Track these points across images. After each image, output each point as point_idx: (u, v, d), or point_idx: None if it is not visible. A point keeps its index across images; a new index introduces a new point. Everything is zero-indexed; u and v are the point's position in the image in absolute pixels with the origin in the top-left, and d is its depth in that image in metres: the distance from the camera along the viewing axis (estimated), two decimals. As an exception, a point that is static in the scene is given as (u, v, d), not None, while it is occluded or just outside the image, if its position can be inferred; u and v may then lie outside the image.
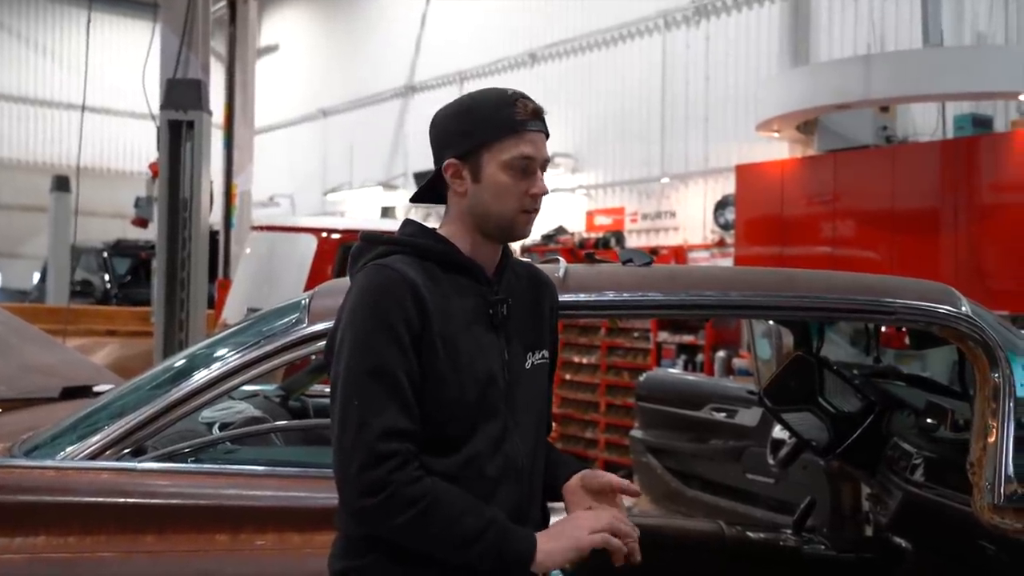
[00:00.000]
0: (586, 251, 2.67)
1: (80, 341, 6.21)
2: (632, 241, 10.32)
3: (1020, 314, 6.25)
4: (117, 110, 16.63)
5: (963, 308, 2.44)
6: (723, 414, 4.95)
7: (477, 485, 1.74)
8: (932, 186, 7.20)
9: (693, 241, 9.79)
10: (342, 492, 1.69)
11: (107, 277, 11.30)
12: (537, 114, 1.80)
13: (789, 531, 3.45)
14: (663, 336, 9.23)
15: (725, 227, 9.37)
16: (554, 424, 9.43)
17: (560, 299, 2.25)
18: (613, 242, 10.11)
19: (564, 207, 11.34)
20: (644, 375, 5.79)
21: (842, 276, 2.61)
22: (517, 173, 1.77)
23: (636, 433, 5.57)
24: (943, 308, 2.42)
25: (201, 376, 2.43)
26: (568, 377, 10.06)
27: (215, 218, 10.33)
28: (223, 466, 2.38)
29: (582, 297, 2.45)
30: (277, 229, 7.74)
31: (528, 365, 1.90)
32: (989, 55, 7.05)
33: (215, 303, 8.24)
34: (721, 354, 8.54)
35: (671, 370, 8.35)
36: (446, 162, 1.82)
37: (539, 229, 11.16)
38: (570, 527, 1.74)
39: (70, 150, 17.55)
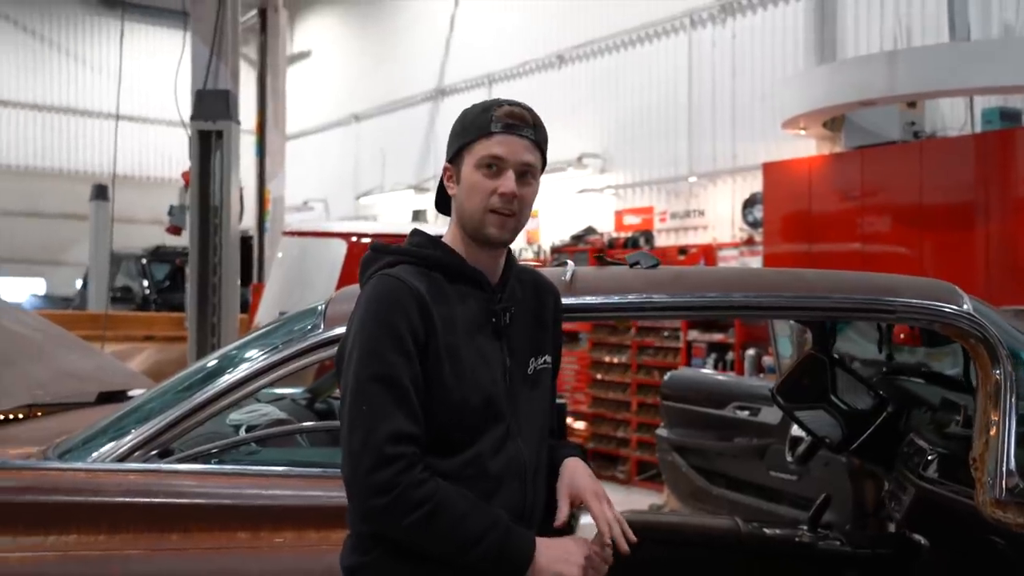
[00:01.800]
0: (596, 254, 2.74)
1: (118, 347, 6.37)
2: (661, 240, 10.34)
3: (1053, 309, 6.20)
4: (153, 118, 16.94)
5: (964, 306, 2.47)
6: (746, 412, 4.98)
7: (480, 484, 1.81)
8: (962, 180, 7.15)
9: (722, 239, 9.79)
10: (351, 493, 1.77)
11: (146, 283, 11.54)
12: (516, 118, 1.87)
13: (805, 527, 3.48)
14: (693, 335, 9.25)
15: (754, 225, 9.36)
16: (585, 423, 9.50)
17: (567, 301, 2.33)
18: (642, 241, 10.13)
19: (593, 207, 11.38)
20: (669, 374, 5.83)
21: (844, 275, 2.65)
22: (487, 172, 1.84)
23: (662, 432, 5.61)
24: (944, 306, 2.46)
25: (223, 380, 2.53)
26: (599, 376, 10.10)
27: (249, 223, 10.55)
28: (244, 467, 2.47)
29: (588, 300, 2.51)
30: (308, 234, 7.86)
31: (530, 370, 1.97)
32: (1016, 48, 6.98)
33: (250, 307, 8.41)
34: (751, 352, 8.54)
35: (696, 369, 8.37)
36: (444, 167, 1.93)
37: (569, 230, 11.22)
38: (563, 553, 1.81)
39: (109, 159, 17.94)
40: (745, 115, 9.71)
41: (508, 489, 1.85)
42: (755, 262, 9.08)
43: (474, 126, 1.88)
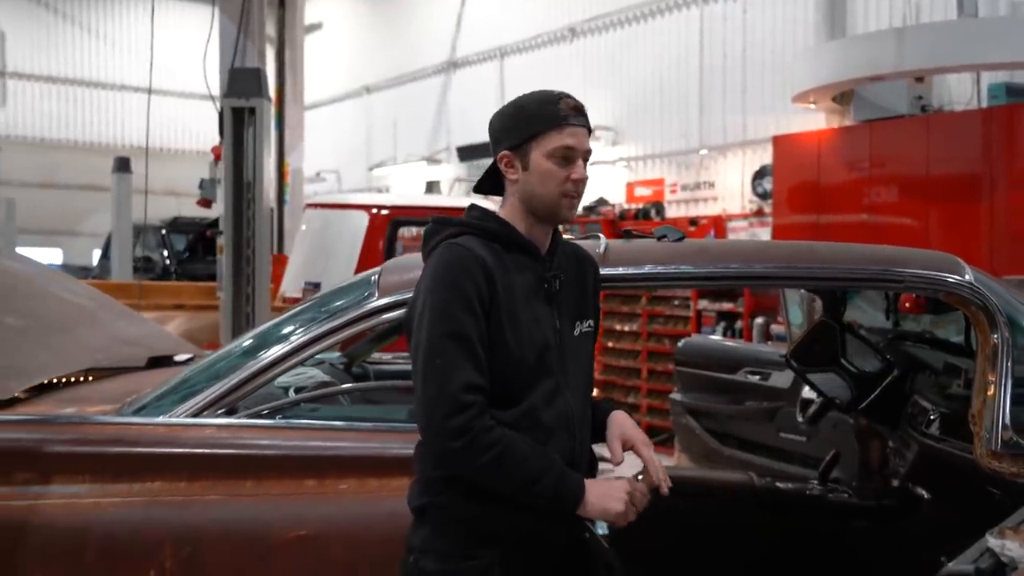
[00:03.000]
0: (624, 228, 2.95)
1: (150, 315, 6.58)
2: (672, 212, 10.54)
3: (1055, 278, 6.40)
4: (170, 91, 17.10)
5: (967, 276, 2.69)
6: (757, 377, 5.22)
7: (534, 433, 2.03)
8: (968, 154, 7.33)
9: (732, 211, 9.99)
10: (428, 438, 1.98)
11: (166, 253, 11.77)
12: (578, 110, 2.09)
13: (815, 482, 3.73)
14: (703, 304, 9.48)
15: (763, 197, 9.56)
16: (596, 390, 9.74)
17: (603, 272, 2.56)
18: (653, 213, 10.35)
19: (605, 179, 11.57)
20: (683, 341, 6.05)
21: (856, 248, 2.87)
22: (559, 161, 2.05)
23: (676, 396, 5.85)
24: (948, 276, 2.68)
25: (285, 344, 2.76)
26: (611, 344, 10.35)
27: (271, 195, 10.74)
28: (310, 421, 2.72)
29: (621, 270, 2.73)
30: (331, 206, 8.08)
31: (576, 333, 2.19)
32: (1023, 25, 7.15)
33: (271, 278, 8.63)
34: (759, 321, 8.77)
35: (708, 336, 8.60)
36: (500, 154, 2.13)
37: (581, 201, 11.40)
38: (608, 490, 2.02)
39: (126, 130, 18.13)
40: (756, 89, 9.87)
41: (559, 438, 2.07)
42: (764, 233, 9.29)
43: (541, 117, 2.06)
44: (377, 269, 2.94)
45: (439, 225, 2.19)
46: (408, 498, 2.13)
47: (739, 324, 9.19)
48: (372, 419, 2.78)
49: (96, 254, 15.24)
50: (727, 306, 9.34)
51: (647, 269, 2.74)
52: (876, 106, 8.04)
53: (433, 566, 2.04)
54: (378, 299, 2.75)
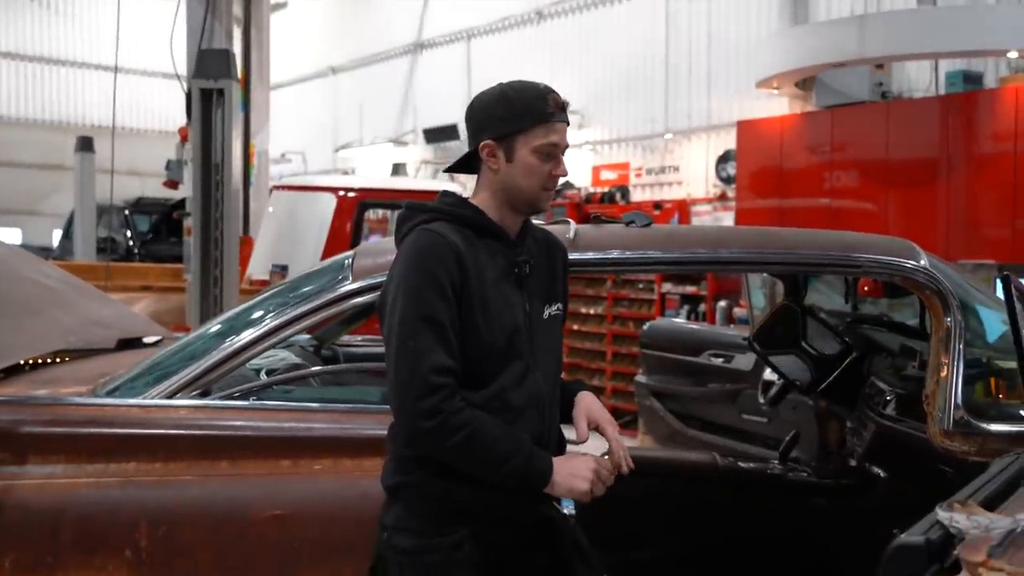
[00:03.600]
0: (592, 214, 3.02)
1: (116, 296, 6.55)
2: (637, 196, 10.64)
3: (1010, 263, 6.58)
4: (133, 69, 16.87)
5: (921, 261, 2.79)
6: (720, 359, 5.33)
7: (504, 414, 2.09)
8: (926, 140, 7.50)
9: (696, 195, 10.11)
10: (400, 418, 2.03)
11: (129, 234, 11.66)
12: (563, 107, 2.15)
13: (776, 462, 3.84)
14: (667, 287, 9.60)
15: (727, 181, 9.68)
16: (563, 373, 9.81)
17: (572, 257, 2.63)
18: (618, 196, 10.43)
19: (570, 162, 11.59)
20: (648, 324, 6.16)
21: (817, 234, 2.96)
22: (544, 157, 2.11)
23: (640, 378, 5.95)
24: (903, 261, 2.78)
25: (258, 327, 2.80)
26: (576, 327, 10.42)
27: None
28: (284, 403, 2.76)
29: (590, 255, 2.80)
30: (298, 188, 8.07)
31: (546, 316, 2.25)
32: (980, 14, 7.30)
33: (238, 260, 8.60)
34: (722, 304, 8.90)
35: (673, 319, 8.72)
36: (483, 142, 2.17)
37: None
38: (574, 469, 2.08)
39: (88, 109, 17.84)
40: (720, 74, 9.97)
41: (528, 418, 2.13)
42: (728, 217, 9.41)
43: (529, 113, 2.10)
44: (350, 253, 2.99)
45: (412, 211, 2.24)
46: (381, 477, 2.18)
47: (702, 307, 9.31)
48: (345, 400, 2.83)
49: (57, 234, 15.04)
50: (691, 289, 9.46)
51: (615, 254, 2.81)
52: (837, 92, 8.18)
53: (406, 543, 2.10)
54: (351, 283, 2.79)
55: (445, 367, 2.01)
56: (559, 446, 2.25)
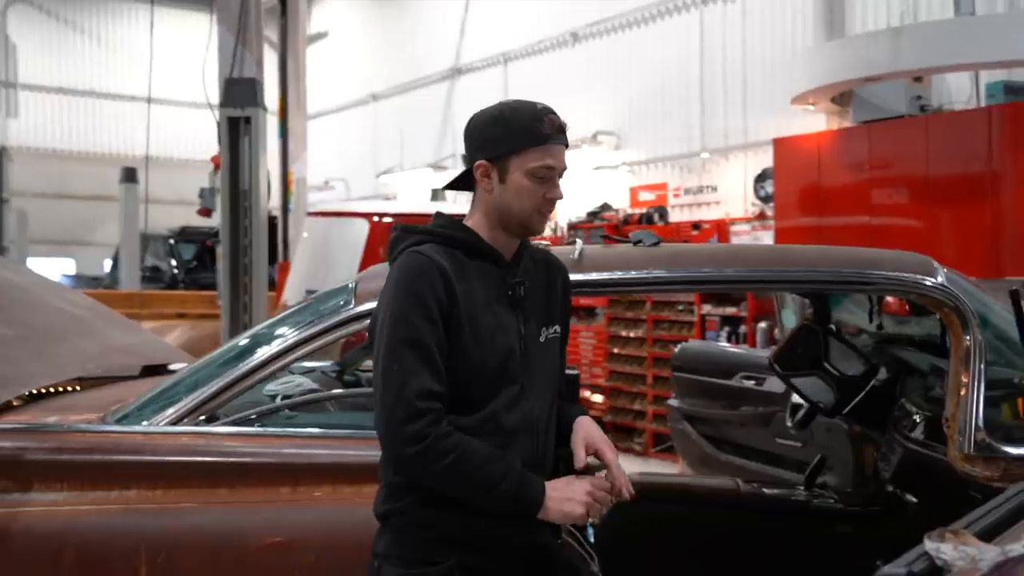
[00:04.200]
0: (601, 234, 2.97)
1: (152, 324, 6.65)
2: (675, 216, 10.54)
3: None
4: (179, 101, 17.22)
5: (939, 278, 2.69)
6: (752, 382, 5.20)
7: (495, 438, 2.04)
8: (968, 153, 7.30)
9: (735, 214, 9.98)
10: (385, 443, 2.00)
11: (174, 263, 11.85)
12: (561, 129, 2.10)
13: (801, 488, 3.72)
14: (707, 309, 9.47)
15: (765, 200, 9.55)
16: (602, 396, 9.72)
17: (575, 277, 2.58)
18: (656, 217, 10.36)
19: (608, 184, 11.58)
20: (679, 346, 6.06)
21: (828, 250, 2.87)
22: (538, 180, 2.07)
23: (673, 402, 5.84)
24: (919, 277, 2.68)
25: (262, 353, 2.79)
26: (616, 351, 10.35)
27: (274, 203, 10.82)
28: (284, 429, 2.74)
29: (594, 276, 2.75)
30: (332, 214, 8.13)
31: (542, 339, 2.20)
32: (1020, 22, 7.13)
33: (276, 285, 8.69)
34: (762, 325, 8.75)
35: (706, 341, 8.59)
36: (477, 162, 2.13)
37: (585, 206, 11.43)
38: (569, 493, 2.03)
39: (135, 141, 18.25)
40: (756, 91, 9.87)
41: (521, 442, 2.08)
42: (767, 236, 9.27)
43: (525, 134, 2.06)
44: (356, 277, 2.97)
45: (404, 232, 2.22)
46: (374, 505, 2.15)
47: (743, 328, 9.17)
48: (348, 426, 2.80)
49: (108, 264, 15.35)
50: (731, 310, 9.33)
51: (620, 274, 2.76)
52: (875, 107, 8.02)
53: (394, 571, 2.06)
54: (355, 306, 2.77)
55: (430, 391, 1.97)
56: (555, 470, 2.20)
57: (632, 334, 10.22)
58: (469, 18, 14.04)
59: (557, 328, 2.27)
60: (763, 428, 5.11)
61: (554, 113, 2.11)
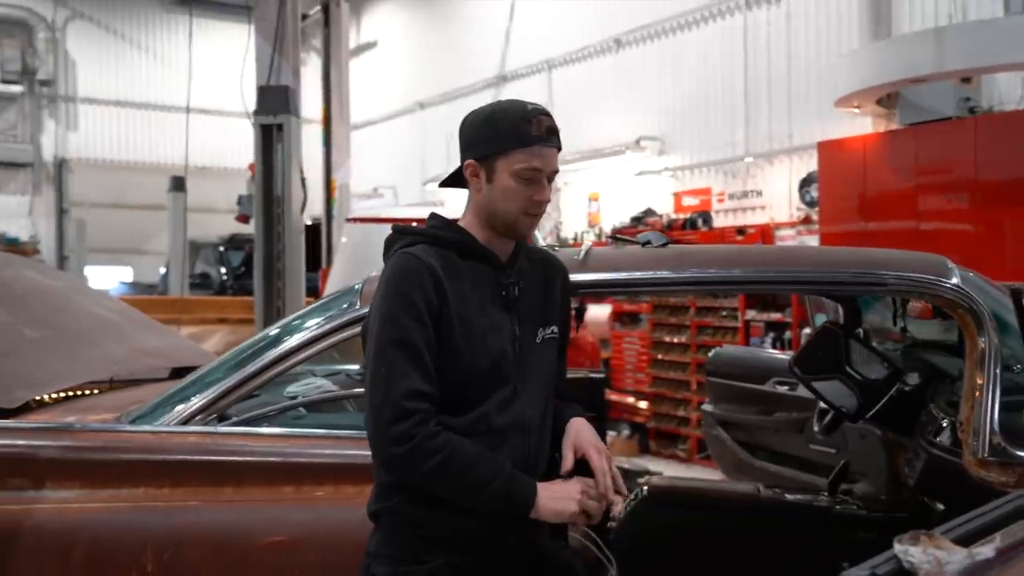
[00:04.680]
0: (612, 235, 2.95)
1: (194, 329, 6.77)
2: (719, 221, 10.43)
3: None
4: (228, 111, 17.48)
5: (953, 279, 2.62)
6: (786, 387, 5.12)
7: (487, 439, 2.03)
8: (1020, 155, 7.10)
9: (779, 219, 9.85)
10: (373, 444, 2.00)
11: (223, 269, 12.05)
12: (551, 131, 2.07)
13: (825, 493, 3.65)
14: (751, 314, 9.36)
15: (811, 204, 9.40)
16: (646, 403, 9.64)
17: (580, 278, 2.57)
18: (700, 223, 10.26)
19: (652, 189, 11.51)
20: (713, 351, 5.98)
21: (839, 251, 2.82)
22: (525, 182, 2.04)
23: (707, 407, 5.77)
24: (931, 278, 2.61)
25: (271, 354, 2.82)
26: (660, 357, 10.27)
27: (318, 211, 10.95)
28: (289, 429, 2.77)
29: (599, 276, 2.73)
30: (369, 220, 8.19)
31: (538, 339, 2.18)
32: (1071, 21, 6.93)
33: (318, 291, 8.78)
34: (807, 331, 8.60)
35: (740, 346, 8.49)
36: (466, 161, 2.13)
37: (628, 212, 11.37)
38: (561, 492, 2.02)
39: (189, 150, 18.63)
40: (801, 95, 9.73)
41: (512, 443, 2.07)
42: (813, 241, 9.13)
43: (511, 135, 2.04)
44: (362, 279, 2.99)
45: (397, 234, 2.22)
46: (367, 504, 2.16)
47: (788, 334, 9.04)
48: (355, 427, 2.81)
49: (162, 271, 15.67)
50: (775, 316, 9.21)
51: (625, 275, 2.73)
52: (922, 109, 7.86)
53: (383, 570, 2.06)
54: (360, 308, 2.79)
55: (418, 391, 1.97)
56: (551, 469, 2.18)
57: (676, 340, 10.14)
58: (514, 26, 14.08)
59: (555, 329, 2.25)
60: (797, 434, 5.02)
61: (545, 114, 2.08)
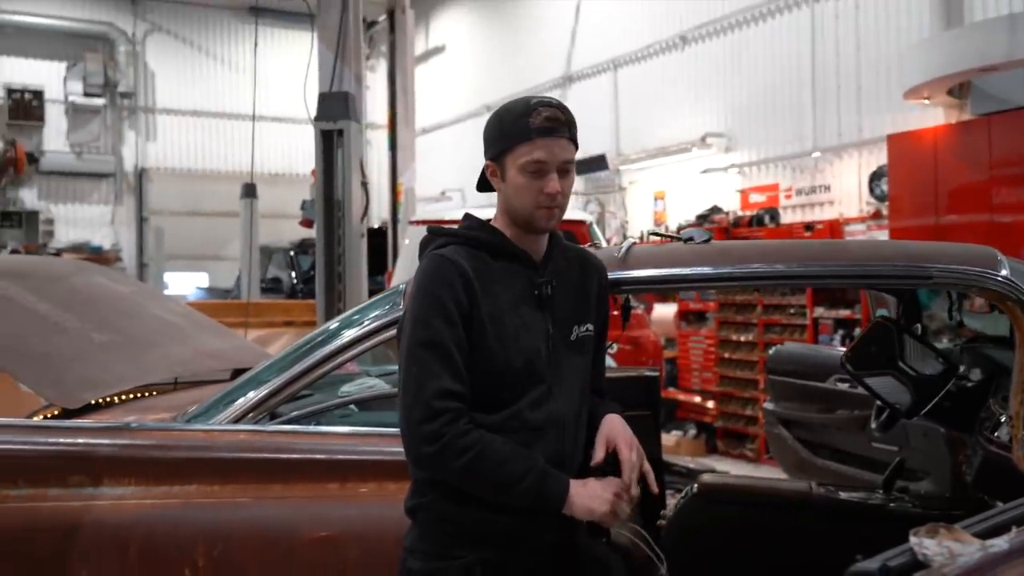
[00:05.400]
0: (651, 231, 2.95)
1: (260, 332, 6.92)
2: (787, 217, 10.27)
3: None
4: (298, 119, 17.80)
5: (1002, 271, 2.55)
6: (847, 384, 5.03)
7: (521, 435, 2.06)
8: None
9: (849, 214, 9.65)
10: (406, 443, 2.04)
11: (293, 274, 12.29)
12: (553, 120, 2.06)
13: (880, 491, 3.58)
14: (819, 312, 9.19)
15: (881, 198, 9.20)
16: (713, 402, 9.54)
17: (619, 275, 2.57)
18: (767, 219, 10.12)
19: (718, 186, 11.38)
20: (774, 348, 5.90)
21: (884, 244, 2.78)
22: (531, 175, 2.06)
23: (768, 405, 5.69)
24: (979, 270, 2.55)
25: (318, 353, 2.89)
26: (727, 355, 10.15)
27: (385, 215, 11.10)
28: (334, 428, 2.83)
29: (638, 273, 2.72)
30: (430, 223, 8.28)
31: (573, 337, 2.19)
32: None
33: (366, 294, 8.89)
34: (877, 328, 8.40)
35: (802, 343, 8.34)
36: (486, 163, 2.18)
37: (694, 210, 11.26)
38: (595, 490, 2.03)
39: (260, 158, 19.05)
40: (870, 87, 9.52)
41: (546, 440, 2.09)
42: (883, 236, 8.93)
43: (514, 131, 2.07)
44: (408, 279, 3.04)
45: (431, 235, 2.26)
46: (405, 500, 2.19)
47: (857, 331, 8.84)
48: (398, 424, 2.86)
49: (237, 276, 16.04)
50: (844, 313, 9.02)
51: (665, 271, 2.73)
52: (995, 98, 7.61)
53: (418, 565, 2.10)
54: (402, 308, 2.83)
55: (448, 391, 2.00)
56: (585, 464, 2.18)
57: (743, 338, 10.01)
58: (579, 26, 14.06)
59: (590, 327, 2.26)
60: (859, 432, 4.92)
61: (548, 105, 2.08)
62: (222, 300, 11.11)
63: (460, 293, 2.05)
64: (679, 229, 11.25)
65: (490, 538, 2.07)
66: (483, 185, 2.27)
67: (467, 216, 2.27)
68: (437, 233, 2.24)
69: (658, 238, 3.02)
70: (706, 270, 2.70)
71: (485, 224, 2.21)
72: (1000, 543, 1.27)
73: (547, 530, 2.09)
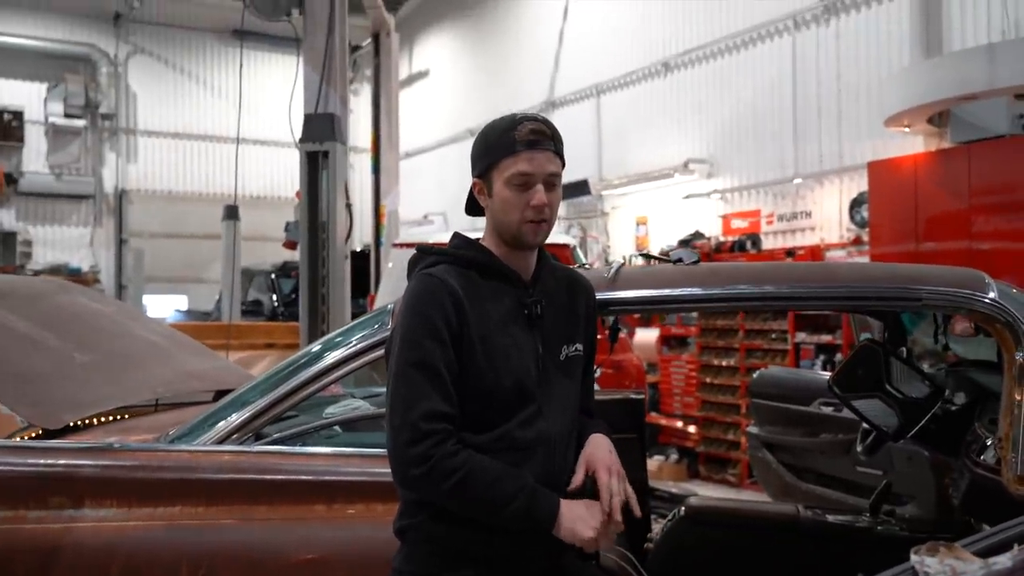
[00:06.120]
0: (642, 253, 2.95)
1: (242, 354, 6.87)
2: (769, 243, 10.33)
3: None
4: (281, 141, 17.83)
5: (991, 293, 2.57)
6: (831, 408, 5.04)
7: (510, 455, 2.04)
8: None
9: (830, 240, 9.72)
10: (393, 465, 2.03)
11: (274, 296, 12.22)
12: (538, 134, 2.07)
13: (867, 514, 3.57)
14: (801, 336, 9.23)
15: (861, 225, 9.27)
16: (695, 426, 9.53)
17: (608, 295, 2.56)
18: (749, 245, 10.17)
19: (700, 212, 11.43)
20: (757, 372, 5.91)
21: (872, 266, 2.79)
22: (517, 188, 2.07)
23: (752, 429, 5.69)
24: (967, 292, 2.56)
25: (303, 374, 2.86)
26: (708, 380, 10.16)
27: (368, 237, 11.07)
28: (320, 448, 2.80)
29: (627, 294, 2.72)
30: (412, 245, 8.27)
31: (562, 357, 2.19)
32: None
33: (349, 317, 8.85)
34: (858, 353, 8.43)
35: (784, 367, 8.36)
36: (473, 181, 2.18)
37: (676, 235, 11.31)
38: (582, 514, 2.01)
39: (241, 181, 19.00)
40: (851, 114, 9.62)
41: (536, 459, 2.07)
42: (864, 262, 8.99)
43: (499, 145, 2.08)
44: (395, 300, 3.02)
45: (421, 254, 2.25)
46: (393, 521, 2.17)
47: (839, 356, 8.88)
48: (384, 445, 2.83)
49: (217, 299, 15.92)
50: (826, 338, 9.06)
51: (654, 292, 2.73)
52: (974, 127, 7.71)
53: (407, 586, 2.07)
54: (390, 328, 2.81)
55: (437, 412, 1.98)
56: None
57: (725, 363, 10.03)
58: (563, 52, 14.15)
59: (579, 346, 2.25)
60: (843, 455, 4.92)
61: (532, 120, 2.09)
62: (203, 322, 11.02)
63: (450, 313, 2.04)
64: (662, 253, 11.29)
65: (479, 559, 2.05)
66: (472, 208, 2.26)
67: (456, 235, 2.27)
68: (426, 252, 2.23)
69: (644, 260, 3.02)
70: (695, 291, 2.70)
71: (474, 243, 2.21)
72: (1003, 560, 1.26)
73: (536, 551, 2.07)
